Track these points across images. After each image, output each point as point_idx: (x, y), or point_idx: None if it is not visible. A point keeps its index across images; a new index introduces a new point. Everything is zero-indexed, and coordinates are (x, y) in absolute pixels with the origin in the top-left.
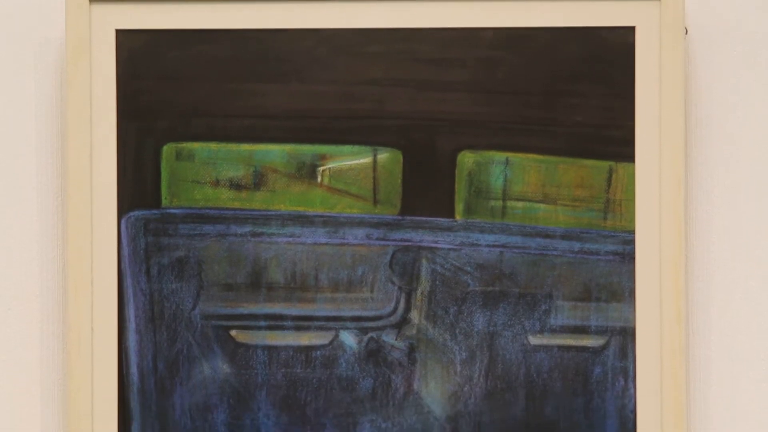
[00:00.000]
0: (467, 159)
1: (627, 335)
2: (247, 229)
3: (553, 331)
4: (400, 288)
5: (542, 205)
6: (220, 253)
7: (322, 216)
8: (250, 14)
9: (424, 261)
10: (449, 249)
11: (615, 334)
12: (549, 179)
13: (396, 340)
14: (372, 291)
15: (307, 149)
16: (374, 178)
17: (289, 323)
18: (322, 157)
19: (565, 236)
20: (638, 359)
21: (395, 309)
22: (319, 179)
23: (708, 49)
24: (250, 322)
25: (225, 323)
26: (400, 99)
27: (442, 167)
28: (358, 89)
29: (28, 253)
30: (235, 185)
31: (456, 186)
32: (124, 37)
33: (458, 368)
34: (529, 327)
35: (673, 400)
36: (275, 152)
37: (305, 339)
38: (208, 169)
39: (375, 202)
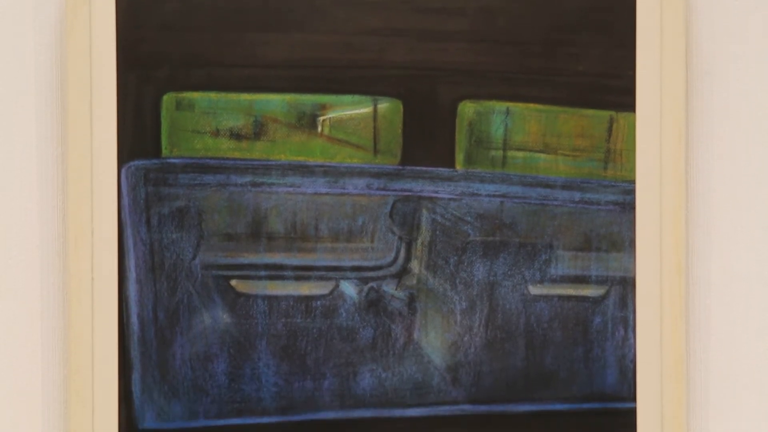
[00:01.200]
0: (468, 109)
1: (627, 285)
2: (248, 179)
3: (553, 280)
4: (400, 238)
5: (543, 155)
6: (221, 202)
7: (322, 166)
8: None
9: (424, 211)
10: (449, 199)
11: (615, 283)
12: (549, 129)
13: (396, 290)
14: (372, 241)
15: (308, 99)
16: (374, 128)
17: (289, 273)
18: (323, 107)
19: (566, 186)
20: (638, 309)
21: (395, 259)
22: (319, 129)
23: None
24: (250, 271)
25: (225, 273)
26: (401, 49)
27: (442, 117)
28: (359, 39)
29: (28, 204)
30: (236, 135)
31: (456, 136)
32: None
33: (458, 318)
34: (529, 277)
35: (673, 349)
36: (275, 102)
37: (305, 289)
38: (208, 118)
39: (375, 152)
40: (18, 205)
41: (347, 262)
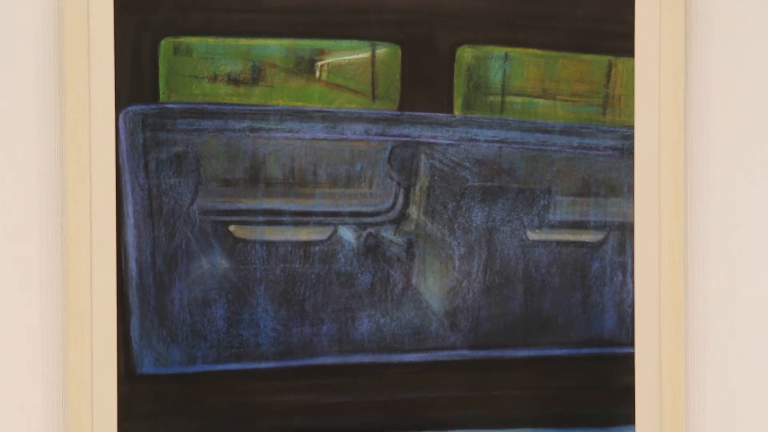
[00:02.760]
0: (466, 54)
1: (625, 230)
2: (246, 124)
3: (552, 226)
4: (398, 183)
5: (541, 100)
6: (219, 148)
7: (320, 111)
8: None
9: (422, 156)
10: (448, 144)
11: (613, 229)
12: (548, 74)
13: (394, 235)
14: (371, 186)
15: (306, 44)
16: (373, 73)
17: (287, 218)
18: (321, 52)
19: (564, 131)
20: (637, 254)
21: (394, 204)
22: (317, 74)
23: None
24: (248, 217)
25: (223, 218)
26: None
27: (441, 62)
28: None
29: (26, 149)
30: (233, 80)
31: (455, 81)
32: None
33: (456, 263)
34: (528, 222)
35: (672, 294)
36: (273, 47)
37: (304, 234)
38: (206, 63)
39: (373, 97)
40: (16, 150)
41: (345, 208)
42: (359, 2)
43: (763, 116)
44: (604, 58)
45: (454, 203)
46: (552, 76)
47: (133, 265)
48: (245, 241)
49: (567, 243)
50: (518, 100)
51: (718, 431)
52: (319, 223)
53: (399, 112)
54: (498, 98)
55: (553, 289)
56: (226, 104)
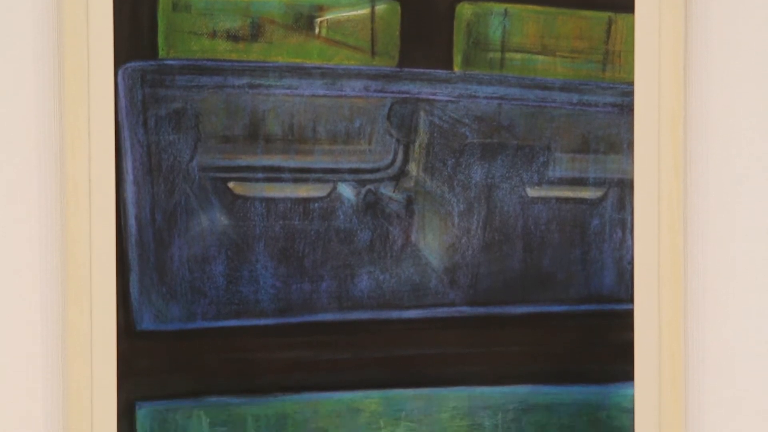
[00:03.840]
0: (466, 10)
1: (625, 187)
2: (245, 80)
3: (551, 183)
4: (398, 140)
5: (541, 57)
6: (218, 104)
7: (319, 68)
8: None
9: (422, 113)
10: (447, 101)
11: (613, 185)
12: (548, 30)
13: (394, 192)
14: (370, 143)
15: (305, 0)
16: (372, 29)
17: (287, 175)
18: (320, 8)
19: (564, 88)
20: (636, 211)
21: (393, 161)
22: (316, 30)
23: None
24: (247, 174)
25: (223, 175)
26: None
27: (440, 18)
28: None
29: (25, 106)
30: (233, 36)
31: (454, 37)
32: None
33: (456, 220)
34: (527, 179)
35: (671, 251)
36: (272, 3)
37: (303, 191)
38: (205, 20)
39: (373, 53)
40: (14, 107)
41: (345, 165)
42: None
43: (763, 72)
44: (604, 14)
45: (453, 160)
46: (552, 32)
47: (132, 221)
48: (244, 198)
49: (566, 200)
50: (518, 56)
51: (717, 386)
52: (319, 180)
53: (398, 69)
54: (497, 55)
55: (552, 246)
56: (225, 61)
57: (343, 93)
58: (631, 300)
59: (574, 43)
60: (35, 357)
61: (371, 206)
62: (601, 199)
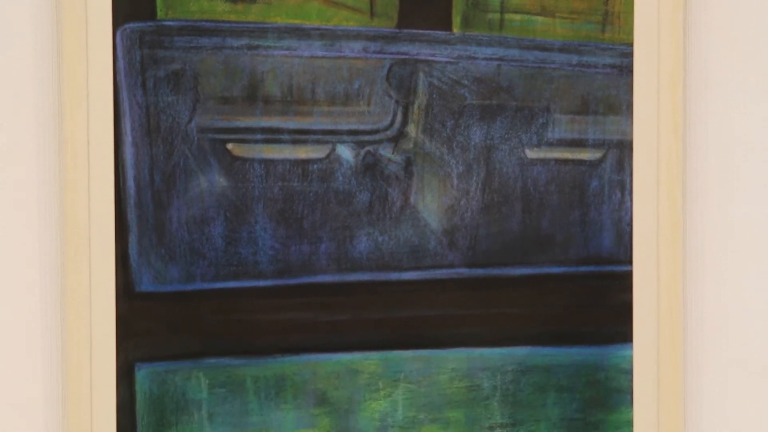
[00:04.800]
0: None
1: (624, 148)
2: (244, 41)
3: (551, 144)
4: (397, 101)
5: (540, 18)
6: (216, 66)
7: (318, 29)
8: None
9: (421, 74)
10: (446, 62)
11: (612, 147)
12: None
13: (393, 153)
14: (369, 105)
15: None
16: None
17: (285, 137)
18: None
19: (563, 49)
20: (635, 172)
21: (392, 122)
22: None
23: None
24: (246, 135)
25: (222, 136)
26: None
27: None
28: None
29: (22, 66)
30: None
31: None
32: None
33: (455, 182)
34: (526, 140)
35: (670, 212)
36: None
37: (302, 152)
38: None
39: (372, 14)
40: (12, 69)
41: (344, 126)
42: None
43: (764, 32)
44: None
45: (452, 121)
46: None
47: (131, 183)
48: (243, 159)
49: (565, 161)
50: (517, 17)
51: (716, 348)
52: (318, 141)
53: (397, 30)
54: (497, 16)
55: (551, 208)
56: (223, 22)
57: (342, 54)
58: (630, 261)
59: (573, 3)
60: (34, 318)
61: (370, 168)
62: (600, 161)
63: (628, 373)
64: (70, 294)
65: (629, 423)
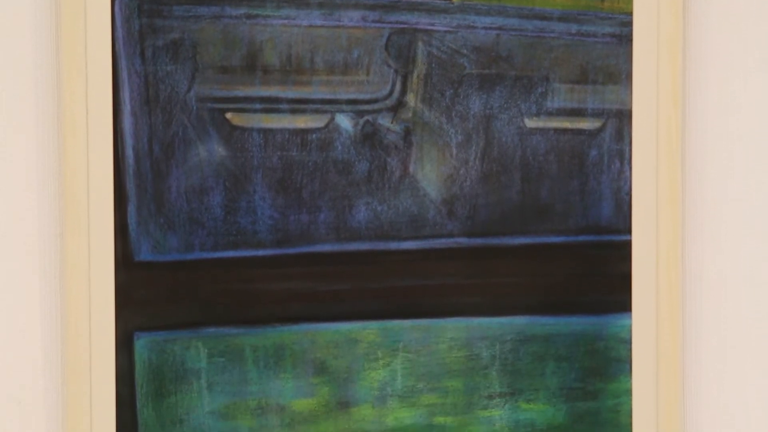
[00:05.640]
0: None
1: (623, 117)
2: (242, 11)
3: (550, 113)
4: (396, 71)
5: None
6: (215, 35)
7: None
8: None
9: (420, 43)
10: (446, 31)
11: (611, 116)
12: None
13: (392, 123)
14: (368, 74)
15: None
16: None
17: (284, 106)
18: None
19: (563, 18)
20: (634, 141)
21: (391, 92)
22: None
23: None
24: (245, 104)
25: (220, 106)
26: None
27: None
28: None
29: (21, 34)
30: None
31: None
32: None
33: (454, 151)
34: (526, 110)
35: (669, 181)
36: None
37: (301, 122)
38: None
39: None
40: (11, 37)
41: (343, 95)
42: None
43: (763, 2)
44: None
45: (451, 91)
46: None
47: (129, 152)
48: (242, 129)
49: (564, 130)
50: None
51: (714, 317)
52: (316, 111)
53: None
54: None
55: (550, 177)
56: None
57: (341, 23)
58: (629, 231)
59: None
60: (33, 288)
61: (369, 137)
62: (600, 130)
63: (627, 342)
64: (69, 264)
65: (628, 392)
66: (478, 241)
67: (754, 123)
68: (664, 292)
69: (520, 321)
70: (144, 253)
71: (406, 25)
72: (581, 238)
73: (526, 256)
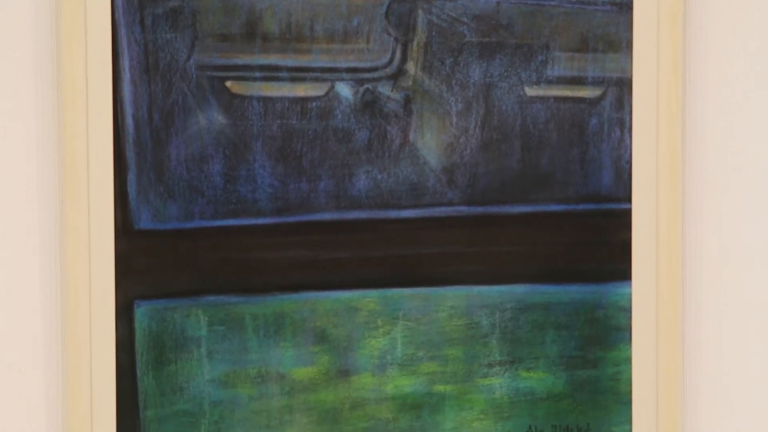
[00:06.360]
0: None
1: (624, 86)
2: None
3: (550, 82)
4: (396, 39)
5: None
6: (215, 2)
7: None
8: None
9: (420, 11)
10: None
11: (611, 84)
12: None
13: (392, 91)
14: (368, 42)
15: None
16: None
17: (284, 74)
18: None
19: None
20: (635, 110)
21: (391, 60)
22: None
23: None
24: (245, 73)
25: (220, 74)
26: None
27: None
28: None
29: (20, 5)
30: None
31: None
32: None
33: (454, 119)
34: (526, 78)
35: (669, 149)
36: None
37: (301, 90)
38: None
39: None
40: (10, 6)
41: (343, 64)
42: None
43: None
44: None
45: (451, 59)
46: None
47: (129, 121)
48: (242, 97)
49: (565, 99)
50: None
51: (715, 285)
52: (316, 79)
53: None
54: None
55: (550, 145)
56: None
57: None
58: (629, 199)
59: None
60: (33, 257)
61: (369, 105)
62: (600, 98)
63: (627, 310)
64: (69, 232)
65: (628, 360)
66: (478, 210)
67: (755, 90)
68: (664, 261)
69: (520, 289)
70: (144, 222)
71: None
72: (581, 206)
73: (526, 224)
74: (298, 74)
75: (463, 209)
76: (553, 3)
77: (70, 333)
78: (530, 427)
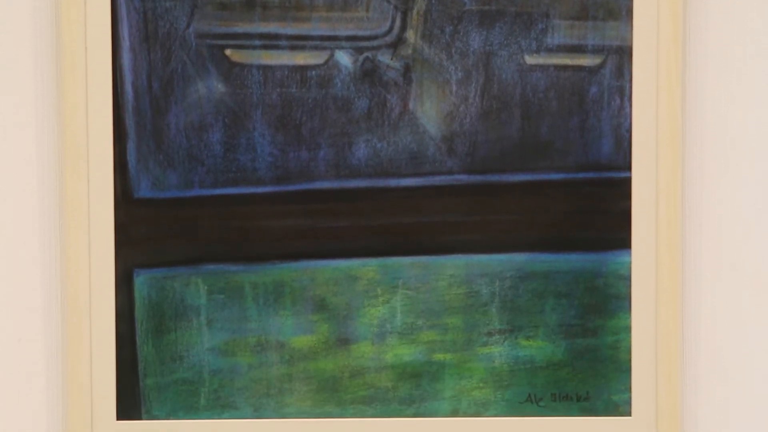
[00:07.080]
0: None
1: (624, 54)
2: None
3: (550, 50)
4: (395, 7)
5: None
6: None
7: None
8: None
9: None
10: None
11: (611, 52)
12: None
13: (391, 59)
14: (367, 10)
15: None
16: None
17: (283, 42)
18: None
19: None
20: (635, 78)
21: (391, 28)
22: None
23: None
24: (244, 41)
25: (219, 42)
26: None
27: None
28: None
29: None
30: None
31: None
32: None
33: (454, 88)
34: (526, 46)
35: (669, 118)
36: None
37: (300, 58)
38: None
39: None
40: None
41: (342, 32)
42: None
43: None
44: None
45: (451, 27)
46: None
47: (128, 89)
48: (242, 65)
49: (565, 67)
50: None
51: (714, 253)
52: (316, 47)
53: None
54: None
55: (550, 114)
56: None
57: None
58: (629, 167)
59: None
60: (33, 225)
61: (369, 74)
62: (600, 67)
63: (627, 279)
64: (69, 201)
65: (627, 329)
66: (477, 178)
67: (755, 57)
68: (664, 229)
69: (519, 258)
70: (143, 190)
71: None
72: (581, 175)
73: (526, 193)
74: (297, 42)
75: (463, 178)
76: None
77: (71, 302)
78: (529, 395)
